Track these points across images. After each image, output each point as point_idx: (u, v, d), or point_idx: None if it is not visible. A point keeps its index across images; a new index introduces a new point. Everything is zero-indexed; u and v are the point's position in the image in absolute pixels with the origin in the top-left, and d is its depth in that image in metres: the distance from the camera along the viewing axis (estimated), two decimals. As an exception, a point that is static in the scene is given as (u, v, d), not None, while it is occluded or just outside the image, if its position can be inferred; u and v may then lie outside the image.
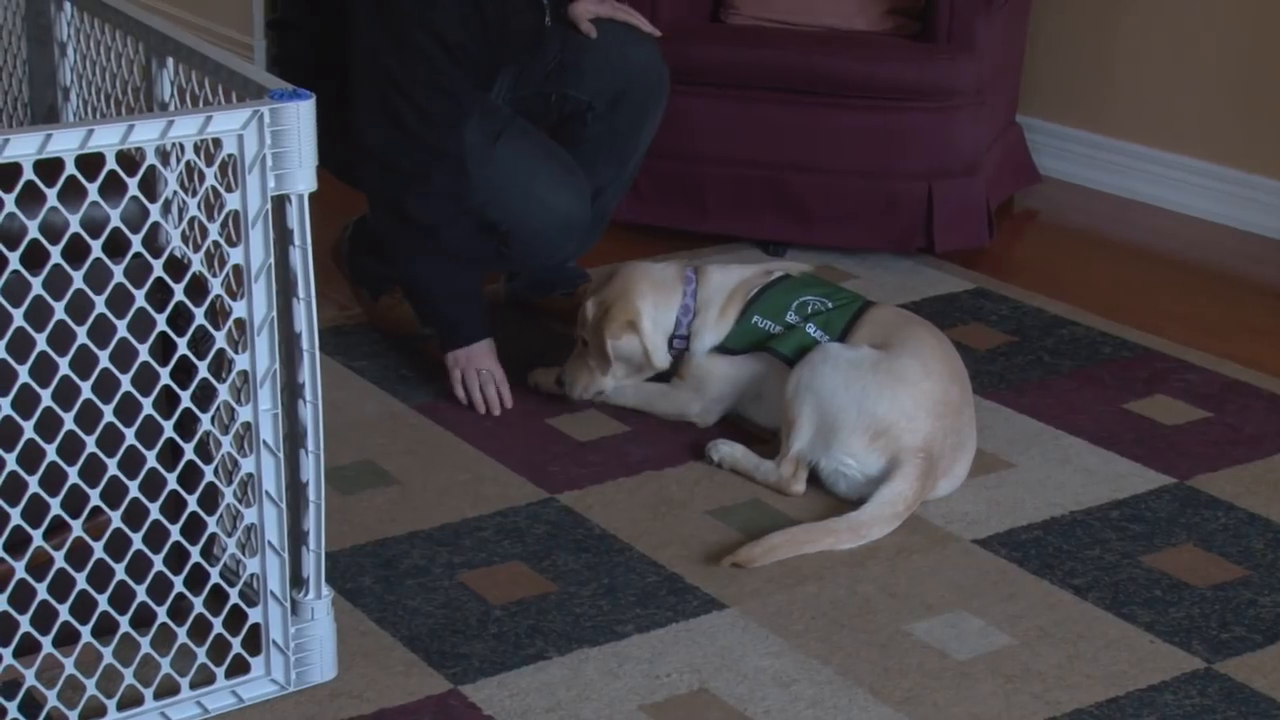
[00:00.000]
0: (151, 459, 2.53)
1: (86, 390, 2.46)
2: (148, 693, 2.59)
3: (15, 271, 2.36)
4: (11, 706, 2.53)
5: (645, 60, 4.07)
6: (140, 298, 2.47)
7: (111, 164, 2.40)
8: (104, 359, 2.45)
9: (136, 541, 2.55)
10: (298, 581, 2.65)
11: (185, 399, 2.55)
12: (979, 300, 4.27)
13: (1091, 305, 4.25)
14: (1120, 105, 5.02)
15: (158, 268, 2.48)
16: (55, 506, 2.47)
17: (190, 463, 2.58)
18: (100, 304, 2.43)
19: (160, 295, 2.50)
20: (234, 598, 2.66)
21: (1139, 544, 3.17)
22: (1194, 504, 3.32)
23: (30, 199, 2.34)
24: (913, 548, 3.14)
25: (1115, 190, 5.04)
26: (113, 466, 2.50)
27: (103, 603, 2.56)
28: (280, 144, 2.45)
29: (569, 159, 3.88)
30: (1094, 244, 4.71)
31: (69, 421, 2.46)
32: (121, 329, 2.46)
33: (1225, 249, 4.67)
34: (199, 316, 2.52)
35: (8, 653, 2.50)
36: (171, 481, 2.57)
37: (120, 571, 2.56)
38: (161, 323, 2.50)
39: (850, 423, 3.25)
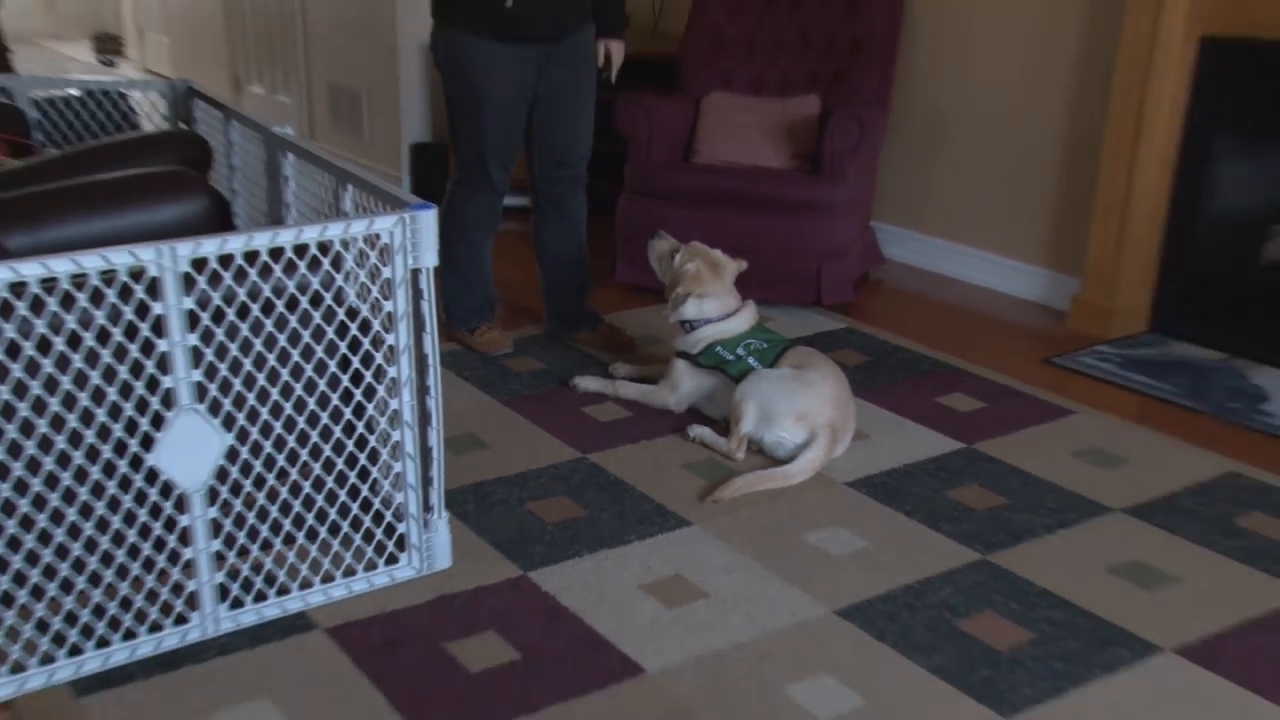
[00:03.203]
0: (338, 431, 2.58)
1: (299, 389, 2.50)
2: (337, 573, 2.65)
3: (256, 316, 2.42)
4: (258, 579, 2.57)
5: (573, 162, 3.93)
6: (330, 332, 2.51)
7: (313, 249, 2.45)
8: (309, 370, 2.50)
9: (329, 482, 2.61)
10: (427, 507, 2.69)
11: (358, 395, 2.59)
12: (849, 335, 4.27)
13: (917, 339, 4.26)
14: (935, 214, 5.01)
15: (340, 313, 2.53)
16: (281, 460, 2.52)
17: (361, 435, 2.62)
18: (306, 336, 2.47)
19: (342, 331, 2.54)
20: (388, 517, 2.70)
21: (944, 484, 3.21)
22: (977, 459, 3.35)
23: (264, 272, 2.40)
24: (808, 488, 3.17)
25: (931, 268, 5.03)
26: (314, 436, 2.56)
27: (309, 519, 2.61)
28: (415, 236, 2.48)
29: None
30: (918, 302, 4.69)
31: (288, 408, 2.50)
32: (319, 351, 2.50)
33: (997, 305, 4.67)
34: (366, 344, 2.56)
35: (255, 547, 2.56)
36: (350, 446, 2.61)
37: (320, 500, 2.60)
38: (343, 347, 2.55)
39: (784, 412, 3.26)
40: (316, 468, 2.60)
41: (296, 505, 2.59)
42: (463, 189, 3.88)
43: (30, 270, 2.14)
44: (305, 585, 2.62)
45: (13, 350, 2.23)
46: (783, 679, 2.41)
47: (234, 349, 2.41)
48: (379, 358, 2.58)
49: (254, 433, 2.48)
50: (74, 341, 2.28)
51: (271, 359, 2.46)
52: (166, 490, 2.41)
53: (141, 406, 2.34)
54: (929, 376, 3.93)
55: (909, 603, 2.67)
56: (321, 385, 2.55)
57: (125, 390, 2.33)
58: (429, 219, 2.49)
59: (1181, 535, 2.98)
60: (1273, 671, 2.47)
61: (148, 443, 2.36)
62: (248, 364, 2.43)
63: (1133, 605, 2.68)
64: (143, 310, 2.29)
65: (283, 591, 2.60)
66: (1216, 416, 3.68)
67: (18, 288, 2.19)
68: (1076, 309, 4.43)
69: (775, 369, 3.40)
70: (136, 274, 2.27)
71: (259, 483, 2.53)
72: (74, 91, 4.10)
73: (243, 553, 2.57)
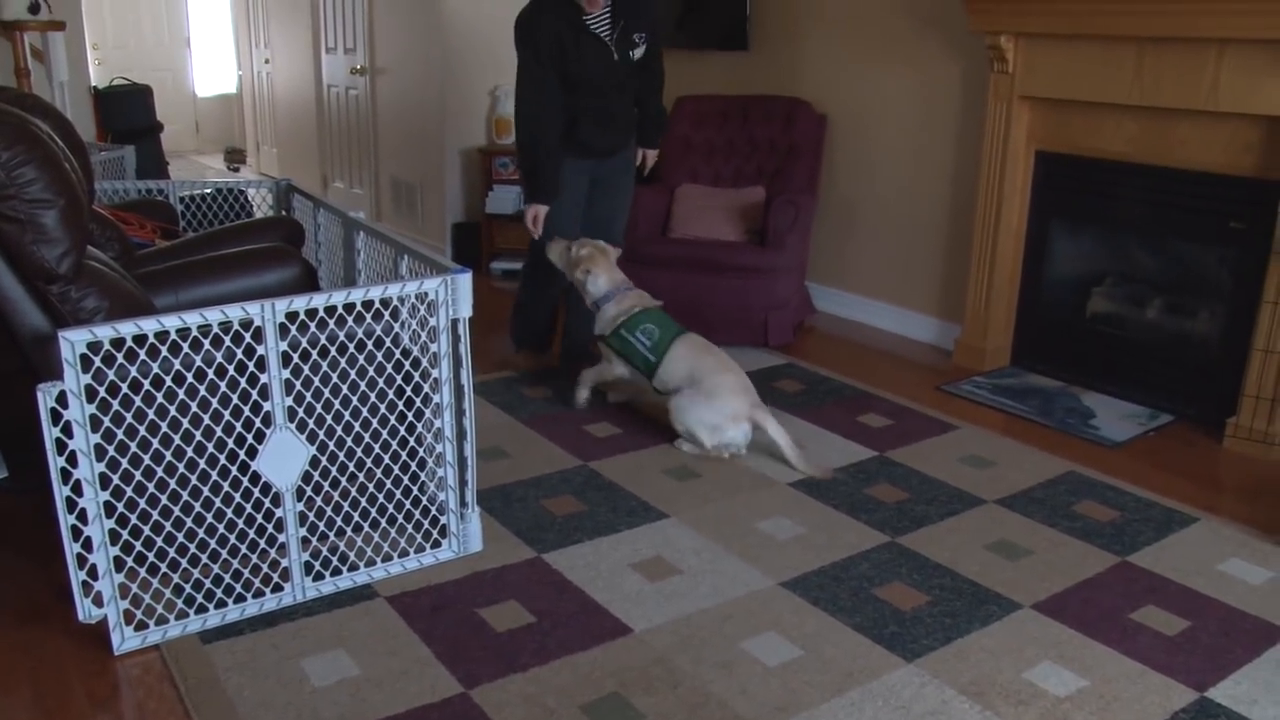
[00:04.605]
0: (395, 444, 2.56)
1: (365, 412, 2.49)
2: (394, 554, 2.62)
3: (334, 355, 2.42)
4: (334, 559, 2.56)
5: (612, 234, 3.93)
6: (389, 368, 2.50)
7: (377, 304, 2.44)
8: (373, 396, 2.49)
9: (388, 484, 2.59)
10: (463, 503, 2.67)
11: (410, 416, 2.57)
12: (789, 368, 4.27)
13: (841, 372, 4.25)
14: (853, 275, 5.01)
15: (398, 354, 2.52)
16: (351, 467, 2.51)
17: (412, 447, 2.60)
18: (371, 370, 2.47)
19: (398, 366, 2.53)
20: (433, 511, 2.69)
21: (862, 483, 3.18)
22: (888, 465, 3.33)
23: (340, 321, 2.41)
24: (758, 487, 3.14)
25: (851, 317, 5.02)
26: (377, 448, 2.54)
27: (373, 512, 2.59)
28: (455, 294, 2.48)
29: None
30: (842, 343, 4.68)
31: (357, 426, 2.48)
32: (381, 382, 2.50)
33: (900, 345, 4.66)
34: (417, 376, 2.55)
35: (331, 533, 2.55)
36: (405, 456, 2.60)
37: (380, 497, 2.59)
38: (399, 379, 2.53)
39: (718, 422, 3.24)
40: (378, 474, 2.58)
41: (363, 501, 2.58)
42: (539, 247, 3.92)
43: (170, 322, 2.17)
44: (370, 563, 2.60)
45: (156, 381, 2.26)
46: (740, 635, 2.39)
47: (317, 381, 2.40)
48: (426, 387, 2.56)
49: (331, 445, 2.47)
50: (200, 375, 2.29)
51: (345, 388, 2.46)
52: (266, 489, 2.41)
53: (248, 424, 2.35)
54: (850, 400, 3.92)
55: (836, 575, 2.66)
56: (382, 409, 2.54)
57: (236, 412, 2.34)
58: (465, 280, 2.48)
59: (1035, 519, 2.97)
60: (1102, 618, 2.47)
61: (252, 452, 2.36)
62: (327, 392, 2.43)
63: (1001, 573, 2.67)
64: (250, 351, 2.31)
65: (353, 568, 2.58)
66: (1059, 429, 3.67)
67: (161, 335, 2.23)
68: (958, 348, 4.42)
69: (688, 395, 3.30)
70: (246, 324, 2.29)
71: (335, 484, 2.53)
72: (209, 190, 4.19)
73: (323, 538, 2.58)
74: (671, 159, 4.98)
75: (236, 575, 2.48)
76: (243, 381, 2.31)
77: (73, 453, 2.11)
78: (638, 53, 3.68)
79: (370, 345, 2.46)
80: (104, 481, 2.20)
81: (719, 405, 3.25)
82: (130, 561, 2.30)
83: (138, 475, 2.26)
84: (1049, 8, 3.79)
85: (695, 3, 5.37)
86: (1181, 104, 3.55)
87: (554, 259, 3.69)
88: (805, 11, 4.97)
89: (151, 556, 2.33)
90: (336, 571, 2.54)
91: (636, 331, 3.43)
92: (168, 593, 2.42)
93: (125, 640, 2.27)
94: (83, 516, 2.15)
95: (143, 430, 2.25)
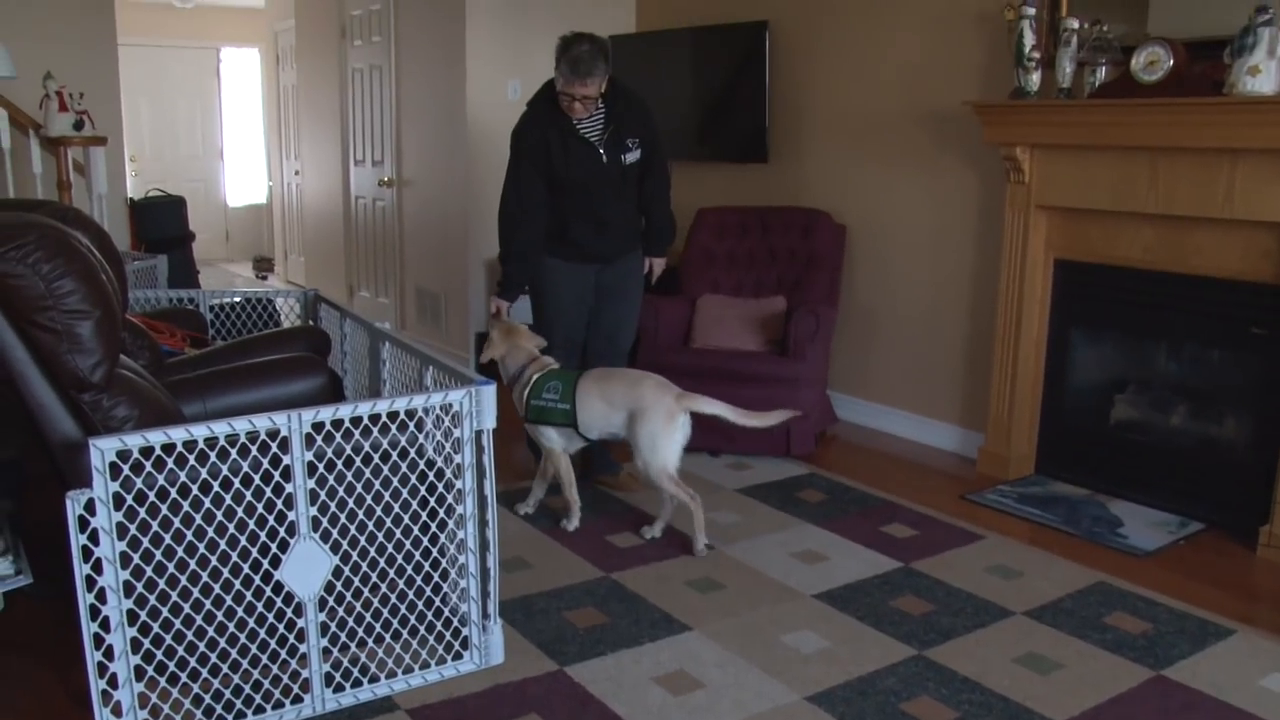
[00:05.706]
0: (418, 555, 2.58)
1: (389, 522, 2.51)
2: (415, 666, 2.61)
3: (359, 465, 2.46)
4: (354, 669, 2.55)
5: (618, 342, 3.97)
6: (414, 479, 2.53)
7: (402, 415, 2.48)
8: (396, 507, 2.52)
9: (410, 594, 2.59)
10: (485, 615, 2.66)
11: (434, 527, 2.59)
12: (811, 478, 4.25)
13: (864, 481, 4.22)
14: (875, 384, 5.02)
15: (422, 464, 2.54)
16: (374, 577, 2.53)
17: (435, 558, 2.61)
18: (395, 481, 2.49)
19: (422, 477, 2.55)
20: (455, 623, 2.68)
21: (888, 595, 3.15)
22: (912, 576, 3.30)
23: (365, 432, 2.45)
24: (779, 599, 3.11)
25: (873, 426, 5.01)
26: (400, 558, 2.55)
27: (395, 623, 2.58)
28: (479, 405, 2.50)
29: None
30: (864, 452, 4.67)
31: (380, 537, 2.49)
32: (404, 493, 2.51)
33: (924, 454, 4.64)
34: (440, 487, 2.57)
35: (353, 644, 2.54)
36: (427, 566, 2.60)
37: (403, 608, 2.59)
38: (423, 490, 2.55)
39: (664, 428, 3.31)
40: (400, 584, 2.58)
41: (385, 612, 2.58)
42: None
43: (198, 431, 2.22)
44: (391, 675, 2.58)
45: (183, 490, 2.29)
46: (761, 749, 2.34)
47: (341, 491, 2.43)
48: (450, 498, 2.58)
49: (354, 555, 2.48)
50: (226, 483, 2.32)
51: (369, 499, 2.48)
52: (288, 598, 2.41)
53: (272, 533, 2.36)
54: (873, 510, 3.89)
55: (862, 690, 2.62)
56: (405, 519, 2.55)
57: (261, 521, 2.36)
58: (489, 392, 2.52)
59: (1065, 631, 2.93)
60: (1143, 743, 2.42)
61: (276, 561, 2.37)
62: (351, 502, 2.45)
63: (1031, 687, 2.62)
64: (276, 460, 2.34)
65: (373, 679, 2.56)
66: (1086, 538, 3.63)
67: (189, 444, 2.27)
68: (982, 457, 4.41)
69: (640, 452, 3.36)
70: (272, 434, 2.32)
71: (357, 594, 2.53)
72: (238, 299, 4.28)
73: (344, 648, 2.56)
74: (693, 269, 5.06)
75: (256, 685, 2.46)
76: (268, 491, 2.34)
77: (98, 560, 2.14)
78: (630, 157, 3.76)
79: (395, 456, 2.49)
80: (128, 589, 2.22)
81: (651, 417, 3.27)
82: (150, 670, 2.30)
83: (161, 583, 2.28)
84: (1062, 119, 3.89)
85: (715, 116, 5.53)
86: (1197, 212, 3.61)
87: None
88: (823, 124, 5.11)
89: (172, 665, 2.33)
90: (357, 683, 2.53)
91: (542, 393, 3.48)
92: (187, 703, 2.41)
93: (142, 753, 2.26)
94: (105, 624, 2.16)
95: (168, 538, 2.27)
